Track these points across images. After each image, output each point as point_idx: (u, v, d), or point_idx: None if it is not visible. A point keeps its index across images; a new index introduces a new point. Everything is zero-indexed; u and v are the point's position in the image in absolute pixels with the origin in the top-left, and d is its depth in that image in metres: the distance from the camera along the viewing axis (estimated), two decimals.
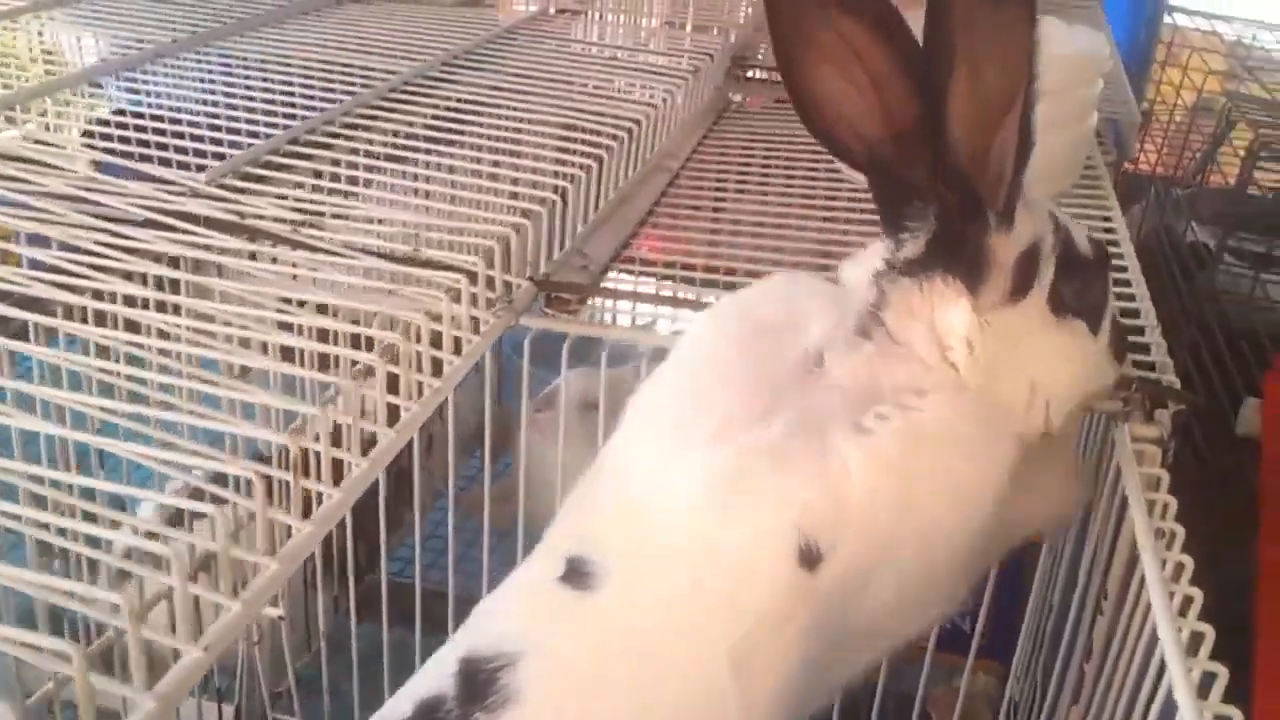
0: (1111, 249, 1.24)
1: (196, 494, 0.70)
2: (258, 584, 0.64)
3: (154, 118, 1.29)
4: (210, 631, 0.60)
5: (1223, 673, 0.66)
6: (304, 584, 1.34)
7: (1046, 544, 1.24)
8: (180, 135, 1.24)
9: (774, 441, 0.71)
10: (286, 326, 0.86)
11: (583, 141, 1.23)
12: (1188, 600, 0.72)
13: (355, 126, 1.24)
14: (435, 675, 0.72)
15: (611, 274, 1.19)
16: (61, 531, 0.67)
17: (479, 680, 0.69)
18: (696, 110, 1.55)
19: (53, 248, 0.90)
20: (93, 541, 0.65)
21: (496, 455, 1.76)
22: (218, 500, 0.66)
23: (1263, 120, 1.98)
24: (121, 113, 1.34)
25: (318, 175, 1.13)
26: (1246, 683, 0.81)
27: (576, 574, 0.72)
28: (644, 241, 1.24)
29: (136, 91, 1.41)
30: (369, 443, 0.75)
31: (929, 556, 0.74)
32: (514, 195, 1.08)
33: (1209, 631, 0.69)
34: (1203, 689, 0.65)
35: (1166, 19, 2.74)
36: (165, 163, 1.16)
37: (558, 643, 0.71)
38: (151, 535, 0.62)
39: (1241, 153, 2.21)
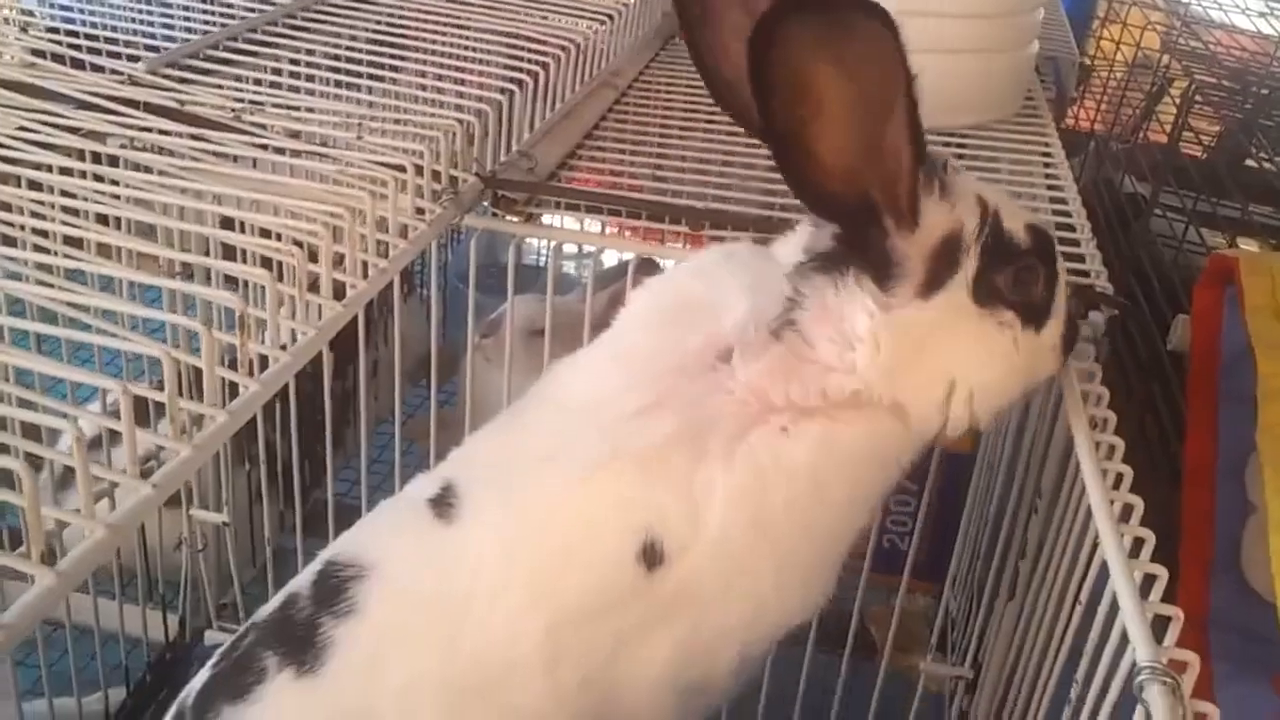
0: (1049, 172, 1.26)
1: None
2: (169, 467, 0.61)
3: (90, 23, 1.26)
4: (117, 511, 0.58)
5: (1150, 537, 0.68)
6: (249, 497, 1.33)
7: (981, 456, 1.26)
8: (114, 42, 1.21)
9: (654, 442, 0.71)
10: (228, 224, 0.85)
11: (530, 52, 1.22)
12: (1120, 477, 0.74)
13: (298, 28, 1.22)
14: (306, 571, 0.74)
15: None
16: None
17: (330, 585, 0.71)
18: (646, 32, 1.54)
19: None
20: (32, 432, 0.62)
21: (441, 384, 1.76)
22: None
23: (1197, 69, 2.01)
24: (55, 30, 1.30)
25: (261, 70, 1.10)
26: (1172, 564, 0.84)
27: (443, 502, 0.73)
28: (586, 177, 1.23)
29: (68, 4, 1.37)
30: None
31: (783, 578, 0.75)
32: (460, 95, 1.07)
33: (1138, 502, 0.71)
34: (1133, 553, 0.67)
35: None
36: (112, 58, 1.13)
37: (409, 565, 0.73)
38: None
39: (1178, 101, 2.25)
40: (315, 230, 0.75)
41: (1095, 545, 0.72)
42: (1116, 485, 0.74)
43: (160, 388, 0.61)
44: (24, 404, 0.63)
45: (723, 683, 0.78)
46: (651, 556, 0.70)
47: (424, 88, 1.11)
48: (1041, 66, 1.62)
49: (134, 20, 1.25)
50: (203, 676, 0.74)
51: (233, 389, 0.66)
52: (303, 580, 0.74)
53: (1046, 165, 1.27)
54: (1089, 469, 0.75)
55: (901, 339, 0.74)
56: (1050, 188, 1.20)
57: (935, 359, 0.75)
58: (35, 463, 0.59)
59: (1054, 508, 0.90)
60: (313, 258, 0.75)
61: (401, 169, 0.88)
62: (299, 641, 0.70)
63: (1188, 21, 2.52)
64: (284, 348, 0.69)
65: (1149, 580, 0.64)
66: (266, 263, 0.75)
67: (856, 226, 0.73)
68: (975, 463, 1.31)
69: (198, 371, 0.65)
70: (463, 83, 1.12)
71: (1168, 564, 0.66)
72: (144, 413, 0.63)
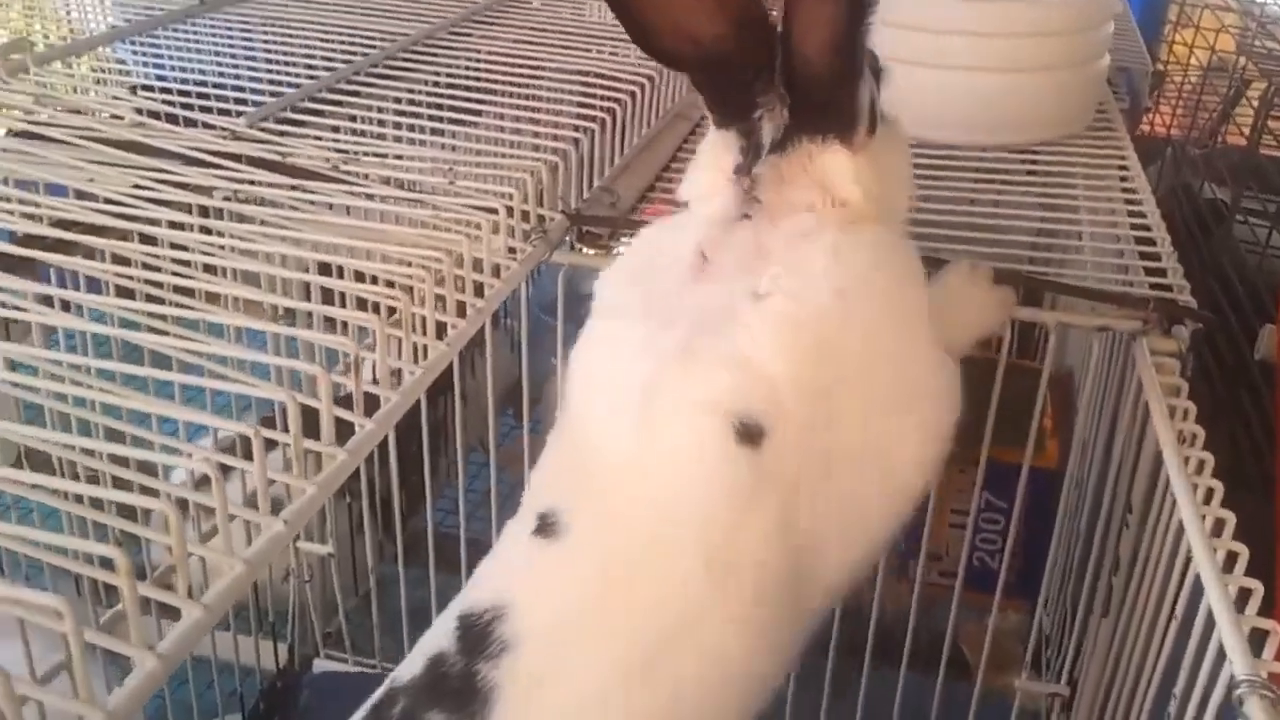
0: (1126, 185, 1.26)
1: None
2: (297, 505, 0.65)
3: (180, 82, 1.32)
4: (253, 547, 0.61)
5: (1244, 551, 0.68)
6: (350, 528, 1.38)
7: (1070, 473, 1.26)
8: (206, 97, 1.27)
9: (679, 343, 0.74)
10: (325, 270, 0.89)
11: (601, 90, 1.26)
12: (1210, 491, 0.75)
13: (383, 78, 1.27)
14: (440, 632, 0.75)
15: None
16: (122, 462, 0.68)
17: (475, 633, 0.72)
18: None
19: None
20: (147, 469, 0.66)
21: (530, 412, 1.80)
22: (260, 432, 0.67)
23: (1275, 70, 1.98)
24: (148, 88, 1.37)
25: (352, 119, 1.15)
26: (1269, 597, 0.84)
27: (546, 526, 0.75)
28: (666, 209, 1.26)
29: (160, 59, 1.44)
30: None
31: (873, 380, 0.76)
32: (539, 136, 1.11)
33: (1230, 517, 0.72)
34: (1227, 568, 0.68)
35: None
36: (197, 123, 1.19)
37: (540, 589, 0.74)
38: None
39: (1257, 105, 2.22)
40: (415, 274, 0.79)
41: (1189, 560, 0.72)
42: (1208, 500, 0.74)
43: (270, 427, 0.64)
44: (140, 443, 0.67)
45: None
46: (749, 434, 0.71)
47: (505, 129, 1.15)
48: (1114, 78, 1.62)
49: (224, 74, 1.31)
50: None
51: (340, 428, 0.69)
52: (442, 640, 0.74)
53: (1123, 179, 1.27)
54: (1179, 484, 0.76)
55: (876, 170, 0.81)
56: (1128, 201, 1.20)
57: (895, 177, 0.84)
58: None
59: (1145, 523, 0.90)
60: (412, 298, 0.79)
61: (493, 210, 0.91)
62: (458, 695, 0.71)
63: (1263, 22, 2.48)
64: (393, 386, 0.73)
65: (1244, 594, 0.65)
66: (365, 305, 0.79)
67: (832, 83, 0.78)
68: (1064, 479, 1.30)
69: (307, 412, 0.68)
70: (542, 123, 1.16)
71: (1263, 578, 0.66)
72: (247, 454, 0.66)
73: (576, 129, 1.14)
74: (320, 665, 1.33)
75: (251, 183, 0.95)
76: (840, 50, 0.76)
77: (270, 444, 0.66)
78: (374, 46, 1.37)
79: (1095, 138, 1.39)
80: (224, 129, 1.07)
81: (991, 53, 1.26)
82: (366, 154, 1.04)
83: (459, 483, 1.24)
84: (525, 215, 0.98)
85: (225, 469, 0.62)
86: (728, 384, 0.72)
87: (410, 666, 0.75)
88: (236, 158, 0.99)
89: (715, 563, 0.71)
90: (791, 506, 0.73)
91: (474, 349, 1.66)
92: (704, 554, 0.71)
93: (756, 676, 0.75)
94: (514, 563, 0.78)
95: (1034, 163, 1.34)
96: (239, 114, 1.13)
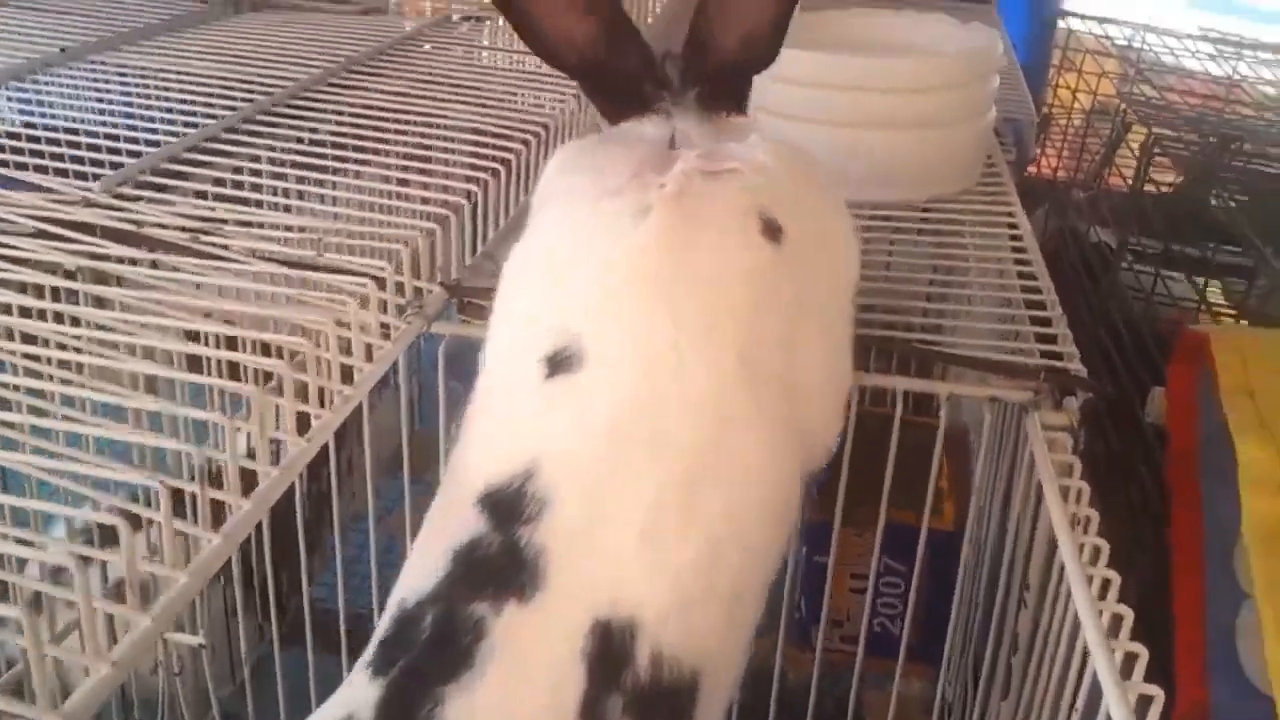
0: (1015, 243, 1.26)
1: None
2: (167, 598, 0.61)
3: (47, 128, 1.24)
4: (119, 647, 0.57)
5: (1143, 653, 0.66)
6: (225, 612, 1.30)
7: (968, 540, 1.25)
8: (76, 145, 1.19)
9: (690, 165, 0.74)
10: (193, 336, 0.83)
11: (491, 146, 1.22)
12: (1106, 583, 0.73)
13: (256, 134, 1.21)
14: (452, 527, 0.67)
15: None
16: None
17: (506, 503, 0.66)
18: None
19: None
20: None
21: (419, 477, 1.73)
22: (126, 515, 0.63)
23: (1155, 119, 2.04)
24: (15, 136, 1.29)
25: (218, 183, 1.09)
26: (1166, 666, 0.83)
27: (560, 363, 0.69)
28: None
29: (28, 103, 1.36)
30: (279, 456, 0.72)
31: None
32: (424, 200, 1.06)
33: (1128, 613, 0.70)
34: (1125, 670, 0.66)
35: (1061, 24, 2.81)
36: (61, 174, 1.12)
37: (567, 428, 0.68)
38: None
39: (1138, 152, 2.27)
40: (276, 365, 0.74)
41: (1086, 655, 0.70)
42: (1103, 593, 0.72)
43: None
44: None
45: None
46: (771, 230, 0.74)
47: (384, 192, 1.10)
48: (1000, 128, 1.63)
49: (80, 131, 1.24)
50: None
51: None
52: (463, 531, 0.67)
53: (1012, 238, 1.27)
54: (1075, 575, 0.74)
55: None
56: (1018, 261, 1.20)
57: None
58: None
59: (1042, 603, 0.88)
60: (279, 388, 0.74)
61: (364, 286, 0.86)
62: (502, 574, 0.64)
63: (1140, 69, 2.55)
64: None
65: (1145, 701, 0.63)
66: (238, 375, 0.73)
67: (741, 69, 0.86)
68: (961, 540, 1.30)
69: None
70: (426, 186, 1.11)
71: (1161, 653, 0.65)
72: (110, 539, 0.61)
73: (460, 190, 1.10)
74: None
75: (105, 257, 0.88)
76: (770, 40, 0.83)
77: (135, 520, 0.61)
78: (250, 98, 1.31)
79: (984, 193, 1.39)
80: (76, 196, 1.00)
81: (877, 109, 1.25)
82: (230, 223, 0.98)
83: (337, 556, 1.17)
84: (401, 288, 0.93)
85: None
86: (752, 182, 0.75)
87: (420, 578, 0.66)
88: (90, 228, 0.93)
89: (748, 360, 0.70)
90: (792, 320, 0.74)
91: (358, 414, 1.61)
92: (738, 349, 0.70)
93: (781, 517, 0.73)
94: (524, 415, 0.70)
95: (924, 219, 1.33)
96: (95, 176, 1.06)
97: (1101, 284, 2.10)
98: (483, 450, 0.71)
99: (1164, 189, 2.24)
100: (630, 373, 0.68)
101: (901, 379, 0.99)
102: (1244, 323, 1.77)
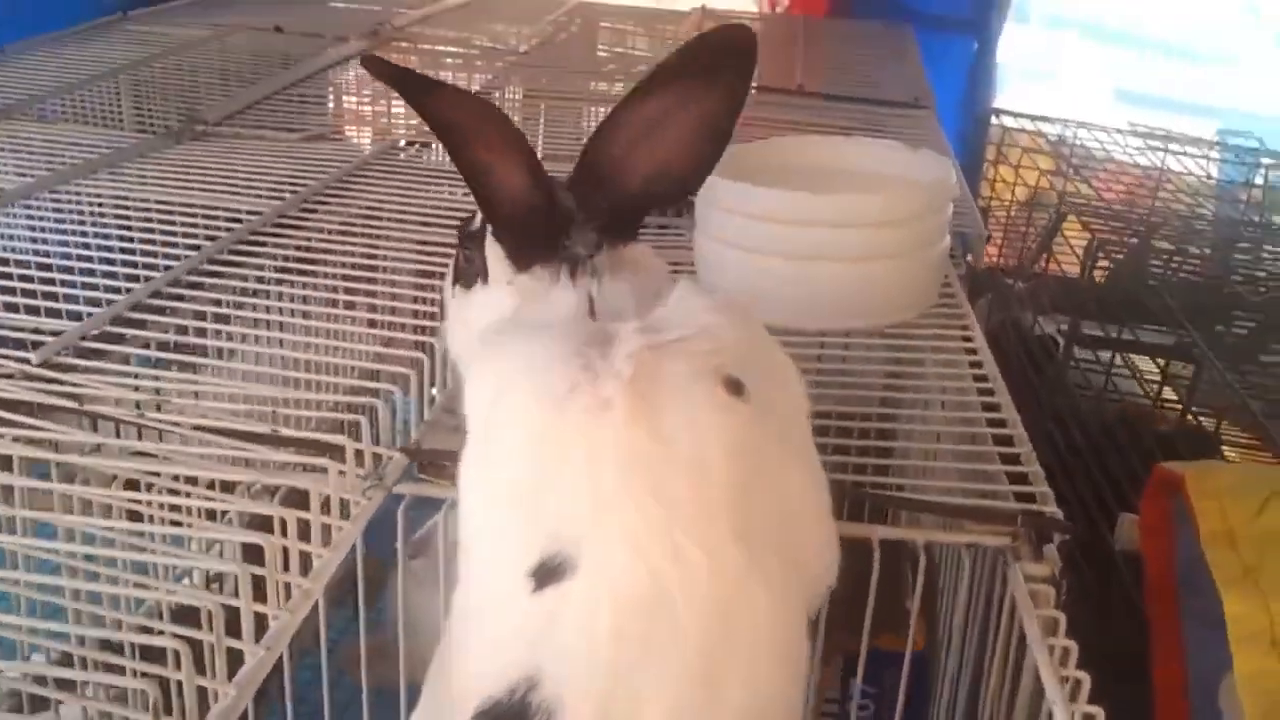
0: (975, 370, 1.25)
1: None
2: None
3: None
4: None
5: None
6: None
7: (943, 676, 1.23)
8: (12, 293, 1.15)
9: (635, 346, 0.72)
10: (136, 516, 0.79)
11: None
12: None
13: (200, 286, 1.17)
14: None
15: None
16: None
17: (509, 714, 0.64)
18: None
19: None
20: None
21: (370, 607, 1.67)
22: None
23: (1097, 223, 2.07)
24: None
25: (162, 346, 1.05)
26: None
27: (548, 573, 0.67)
28: None
29: None
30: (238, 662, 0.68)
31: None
32: (378, 357, 1.03)
33: None
34: None
35: (994, 121, 2.87)
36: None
37: (567, 636, 0.66)
38: None
39: (1074, 243, 2.32)
40: (231, 569, 0.70)
41: None
42: None
43: None
44: None
45: None
46: (735, 388, 0.72)
47: (340, 350, 1.07)
48: (952, 244, 1.64)
49: (34, 265, 1.20)
50: None
51: None
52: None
53: (971, 363, 1.27)
54: None
55: None
56: (981, 392, 1.19)
57: None
58: None
59: None
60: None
61: (323, 470, 0.83)
62: None
63: (1075, 165, 2.61)
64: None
65: None
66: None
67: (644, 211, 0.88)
68: (930, 664, 1.27)
69: None
70: (378, 330, 1.08)
71: None
72: None
73: (417, 344, 1.07)
74: None
75: (45, 440, 0.84)
76: (691, 180, 0.85)
77: None
78: (196, 244, 1.27)
79: (940, 315, 1.39)
80: (12, 369, 0.96)
81: (839, 243, 1.25)
82: (173, 392, 0.94)
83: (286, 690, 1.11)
84: (360, 457, 0.90)
85: None
86: (703, 347, 0.73)
87: None
88: (29, 407, 0.88)
89: (744, 533, 0.68)
90: (775, 461, 0.75)
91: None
92: (733, 526, 0.68)
93: (799, 671, 0.72)
94: (518, 625, 0.67)
95: (886, 346, 1.33)
96: (35, 344, 1.00)
97: (1048, 375, 2.11)
98: (478, 660, 0.68)
99: (1100, 280, 2.28)
100: (628, 572, 0.66)
101: (879, 527, 0.97)
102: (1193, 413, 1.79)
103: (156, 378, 0.97)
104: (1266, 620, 0.81)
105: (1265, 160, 2.51)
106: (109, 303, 1.11)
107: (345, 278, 1.23)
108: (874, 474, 1.08)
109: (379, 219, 1.40)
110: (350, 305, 1.21)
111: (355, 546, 1.07)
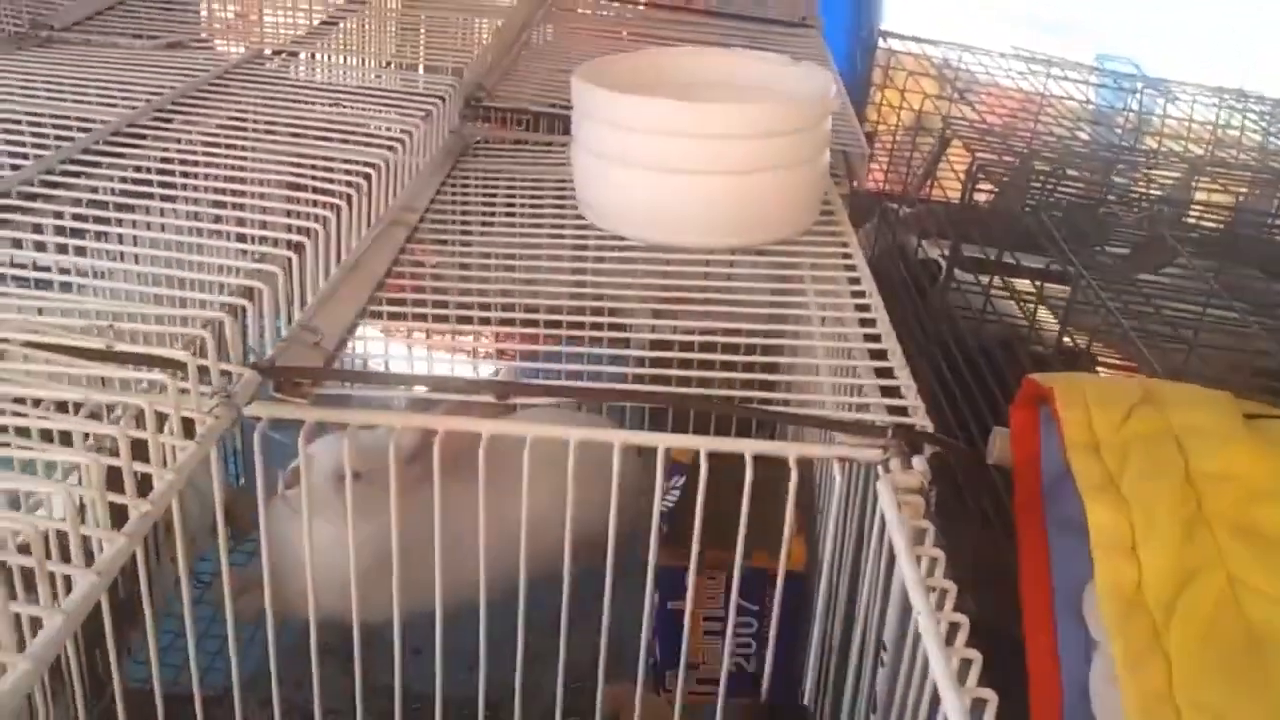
0: (854, 288, 1.25)
1: None
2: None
3: None
4: None
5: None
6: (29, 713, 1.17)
7: (821, 591, 1.23)
8: None
9: None
10: None
11: (311, 198, 1.13)
12: (967, 664, 0.71)
13: (38, 198, 1.09)
14: None
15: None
16: None
17: None
18: (434, 156, 1.47)
19: None
20: None
21: (241, 541, 1.62)
22: None
23: (978, 145, 2.09)
24: None
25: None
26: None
27: None
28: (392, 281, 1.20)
29: None
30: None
31: None
32: (232, 271, 0.98)
33: (992, 696, 0.68)
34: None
35: (881, 44, 2.87)
36: None
37: None
38: None
39: (958, 168, 2.34)
40: (56, 489, 0.65)
41: None
42: (963, 674, 0.70)
43: None
44: None
45: None
46: None
47: (193, 260, 1.01)
48: (833, 161, 1.63)
49: None
50: None
51: None
52: None
53: (851, 280, 1.26)
54: (936, 657, 0.72)
55: None
56: (858, 307, 1.19)
57: None
58: None
59: (898, 671, 0.86)
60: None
61: (163, 385, 0.78)
62: None
63: (960, 90, 2.63)
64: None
65: None
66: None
67: None
68: (809, 581, 1.28)
69: None
70: (241, 241, 1.02)
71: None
72: None
73: (276, 258, 1.01)
74: None
75: None
76: None
77: None
78: (44, 149, 1.18)
79: (820, 232, 1.38)
80: None
81: (713, 156, 1.22)
82: (16, 307, 0.87)
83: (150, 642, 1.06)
84: (205, 373, 0.84)
85: None
86: None
87: None
88: None
89: None
90: None
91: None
92: None
93: None
94: None
95: (764, 264, 1.31)
96: None
97: (931, 299, 2.14)
98: None
99: (983, 204, 2.30)
100: None
101: (750, 441, 0.96)
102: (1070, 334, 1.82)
103: None
104: (1127, 527, 0.82)
105: (1139, 85, 2.56)
106: None
107: (205, 190, 1.16)
108: (761, 391, 1.07)
109: (247, 127, 1.32)
110: (214, 219, 1.14)
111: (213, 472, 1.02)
